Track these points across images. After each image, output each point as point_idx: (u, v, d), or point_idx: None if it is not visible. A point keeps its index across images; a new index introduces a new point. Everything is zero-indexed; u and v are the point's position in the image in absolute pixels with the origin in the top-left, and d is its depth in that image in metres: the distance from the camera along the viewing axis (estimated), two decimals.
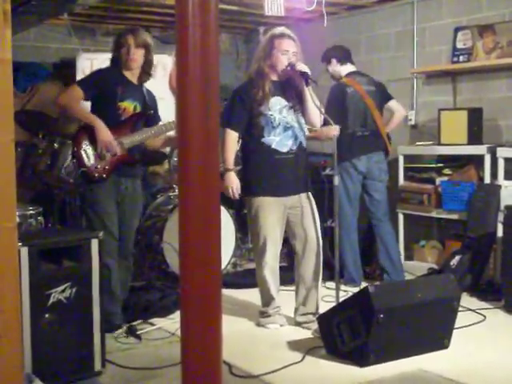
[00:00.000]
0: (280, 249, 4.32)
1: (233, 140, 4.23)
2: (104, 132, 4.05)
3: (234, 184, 4.21)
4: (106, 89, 4.14)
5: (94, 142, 4.08)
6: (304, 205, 4.26)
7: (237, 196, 4.25)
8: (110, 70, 4.28)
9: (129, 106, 4.20)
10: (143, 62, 4.24)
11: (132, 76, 4.25)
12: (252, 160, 4.27)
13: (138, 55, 4.18)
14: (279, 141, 4.20)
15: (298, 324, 4.28)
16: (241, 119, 4.22)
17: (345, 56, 5.44)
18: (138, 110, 4.24)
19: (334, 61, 5.41)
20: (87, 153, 4.08)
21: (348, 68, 5.41)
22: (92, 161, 4.08)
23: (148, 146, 4.44)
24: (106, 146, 4.06)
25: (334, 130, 4.45)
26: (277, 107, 4.20)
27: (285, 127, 4.21)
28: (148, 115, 4.30)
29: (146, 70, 4.29)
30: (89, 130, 4.09)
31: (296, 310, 4.33)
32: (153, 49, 4.30)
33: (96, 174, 4.09)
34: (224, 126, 4.17)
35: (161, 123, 4.35)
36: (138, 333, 4.05)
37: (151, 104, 4.35)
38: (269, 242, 4.20)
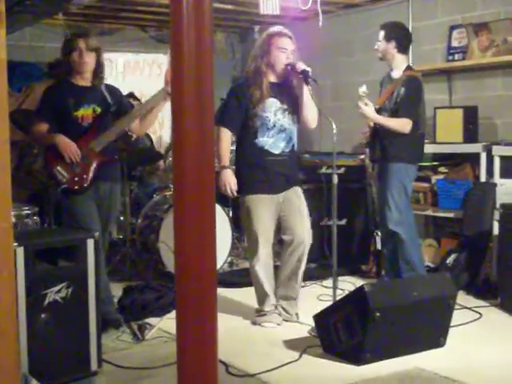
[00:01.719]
0: (272, 246, 4.34)
1: (227, 138, 4.23)
2: (63, 143, 4.07)
3: (230, 181, 4.20)
4: (58, 105, 4.15)
5: (62, 159, 4.10)
6: (291, 200, 4.29)
7: (234, 193, 4.24)
8: (57, 86, 4.28)
9: (86, 112, 4.20)
10: (95, 66, 4.24)
11: (83, 80, 4.24)
12: (244, 160, 4.28)
13: (90, 58, 4.19)
14: (272, 143, 4.22)
15: (281, 308, 4.32)
16: (235, 118, 4.23)
17: (406, 47, 5.00)
18: (99, 111, 4.22)
19: (393, 43, 4.91)
20: (59, 170, 4.11)
21: (406, 59, 5.01)
22: (68, 175, 4.11)
23: (133, 133, 4.49)
24: (72, 155, 4.08)
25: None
26: (272, 109, 4.20)
27: (279, 129, 4.22)
28: (112, 112, 4.27)
29: (99, 73, 4.29)
30: (54, 148, 4.12)
31: (275, 291, 4.35)
32: (102, 52, 4.32)
33: (76, 186, 4.12)
34: (217, 124, 4.18)
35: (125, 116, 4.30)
36: (146, 332, 4.05)
37: (115, 99, 4.33)
38: (261, 239, 4.21)
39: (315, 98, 4.25)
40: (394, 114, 4.83)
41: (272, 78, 4.24)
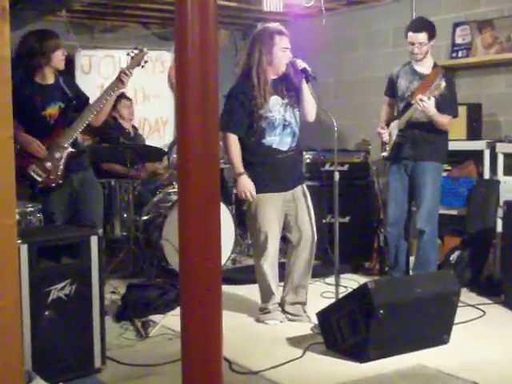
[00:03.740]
0: (279, 244, 4.33)
1: (235, 143, 4.16)
2: (25, 142, 4.20)
3: (249, 187, 4.15)
4: (25, 106, 4.19)
5: (34, 158, 4.23)
6: (299, 199, 4.29)
7: (254, 198, 4.18)
8: (21, 86, 4.28)
9: (53, 110, 4.33)
10: None
11: (50, 78, 4.35)
12: (252, 160, 4.21)
13: None
14: (279, 140, 4.21)
15: (288, 314, 4.31)
16: (241, 121, 4.16)
17: None
18: (63, 107, 4.36)
19: (433, 40, 4.89)
20: (35, 170, 4.25)
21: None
22: (43, 174, 4.27)
23: (91, 124, 4.51)
24: (36, 151, 4.22)
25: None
26: (276, 107, 4.19)
27: (284, 125, 4.21)
28: (74, 106, 4.39)
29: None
30: (24, 151, 4.23)
31: (284, 298, 4.36)
32: None
33: (53, 184, 4.30)
34: (224, 130, 4.13)
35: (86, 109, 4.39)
36: (150, 329, 4.06)
37: (73, 92, 4.44)
38: (270, 238, 4.21)
39: (314, 95, 4.27)
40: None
41: (272, 77, 4.23)
